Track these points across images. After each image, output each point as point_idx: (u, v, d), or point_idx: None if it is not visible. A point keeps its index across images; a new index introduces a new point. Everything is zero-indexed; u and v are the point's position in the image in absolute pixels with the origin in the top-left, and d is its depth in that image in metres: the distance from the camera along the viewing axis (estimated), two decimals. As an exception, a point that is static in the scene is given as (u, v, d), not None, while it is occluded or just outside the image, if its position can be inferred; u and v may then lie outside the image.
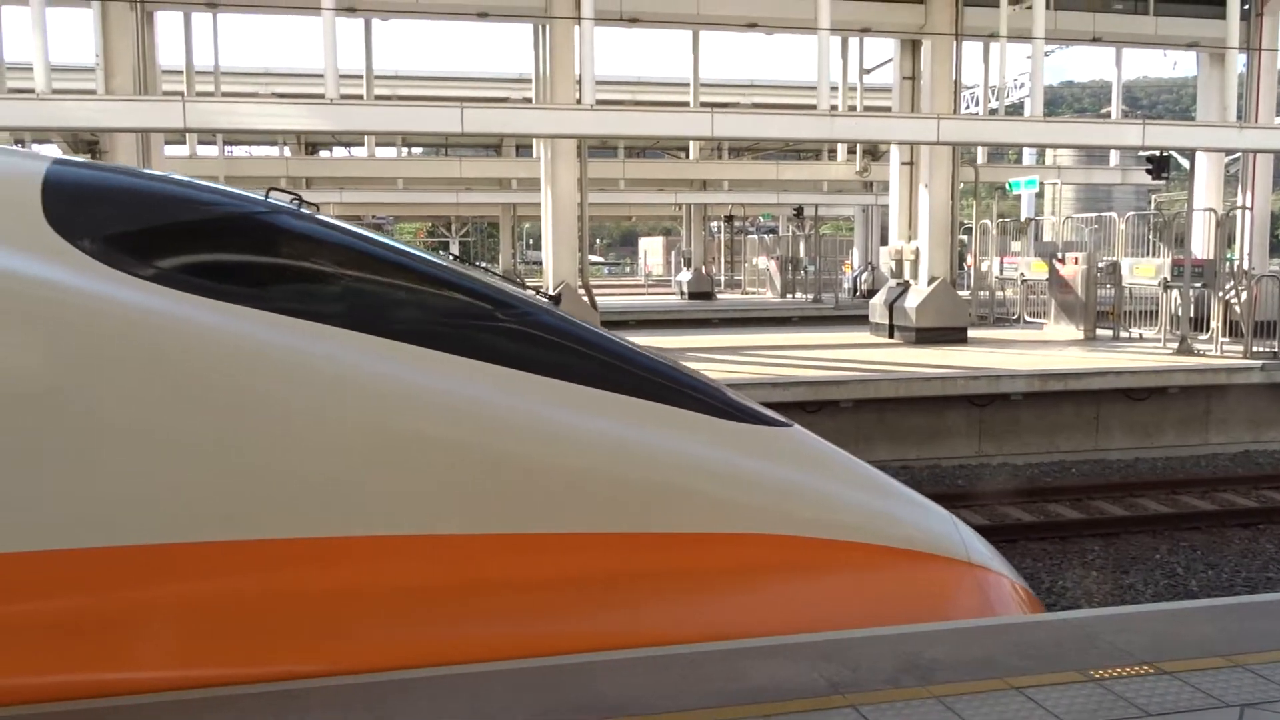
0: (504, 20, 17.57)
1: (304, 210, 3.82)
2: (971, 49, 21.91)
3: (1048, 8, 16.46)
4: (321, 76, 13.93)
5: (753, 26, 19.03)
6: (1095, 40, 20.53)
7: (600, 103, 15.21)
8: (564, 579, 3.58)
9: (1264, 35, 19.66)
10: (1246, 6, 19.11)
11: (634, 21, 17.81)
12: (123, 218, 3.35)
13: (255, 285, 3.41)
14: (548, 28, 16.92)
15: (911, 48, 19.51)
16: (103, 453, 3.11)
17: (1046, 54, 19.59)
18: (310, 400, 3.34)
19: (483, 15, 17.11)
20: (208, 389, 3.22)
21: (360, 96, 24.36)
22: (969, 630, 3.82)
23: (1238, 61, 19.22)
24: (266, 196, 3.73)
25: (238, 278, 3.42)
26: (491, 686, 3.21)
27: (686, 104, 25.43)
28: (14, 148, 3.96)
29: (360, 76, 25.55)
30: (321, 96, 14.05)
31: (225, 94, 23.68)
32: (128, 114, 13.62)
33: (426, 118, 16.31)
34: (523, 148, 32.85)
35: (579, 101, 15.72)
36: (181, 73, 21.33)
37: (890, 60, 21.82)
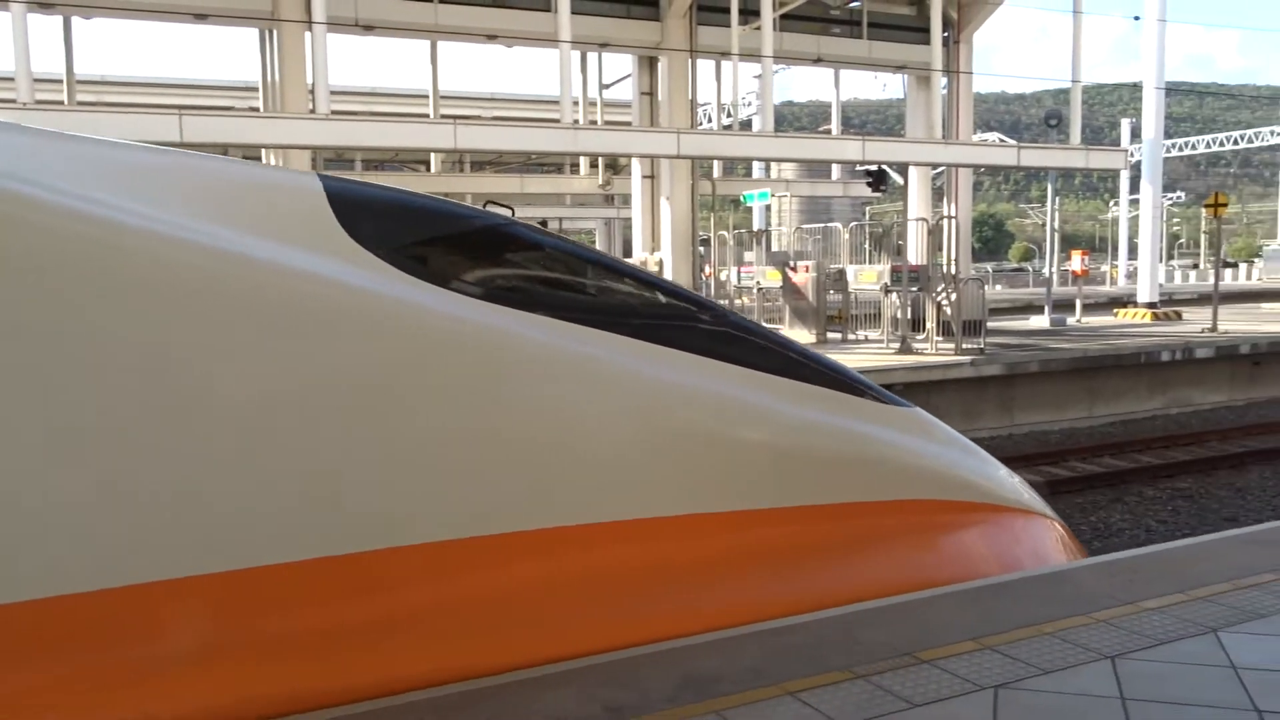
0: (226, 23, 16.50)
1: (525, 222, 4.18)
2: (705, 66, 22.76)
3: (775, 29, 17.33)
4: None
5: (493, 38, 18.90)
6: (818, 61, 21.86)
7: (336, 113, 14.55)
8: (790, 546, 4.11)
9: (961, 60, 21.62)
10: (946, 34, 20.94)
11: (369, 29, 17.22)
12: (403, 228, 3.57)
13: (514, 288, 3.76)
14: (275, 32, 16.03)
15: (649, 64, 20.01)
16: (424, 445, 3.31)
17: (774, 73, 20.63)
18: (583, 394, 3.67)
19: (201, 17, 15.99)
20: (501, 385, 3.50)
21: (61, 101, 22.16)
22: (738, 639, 3.80)
23: (940, 83, 21.03)
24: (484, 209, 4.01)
25: (500, 282, 3.75)
26: None
27: (427, 115, 24.89)
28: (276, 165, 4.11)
29: (60, 80, 23.25)
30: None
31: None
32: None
33: (140, 124, 15.03)
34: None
35: (313, 111, 14.98)
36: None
37: (629, 76, 22.29)
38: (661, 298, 4.14)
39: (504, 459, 3.47)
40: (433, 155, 31.78)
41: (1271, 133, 57.87)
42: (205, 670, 2.92)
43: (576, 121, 17.86)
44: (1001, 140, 41.95)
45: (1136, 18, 24.80)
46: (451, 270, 3.56)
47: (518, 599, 3.47)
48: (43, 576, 2.68)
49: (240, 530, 2.97)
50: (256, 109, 20.75)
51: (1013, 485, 5.21)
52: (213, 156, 3.62)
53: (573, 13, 16.00)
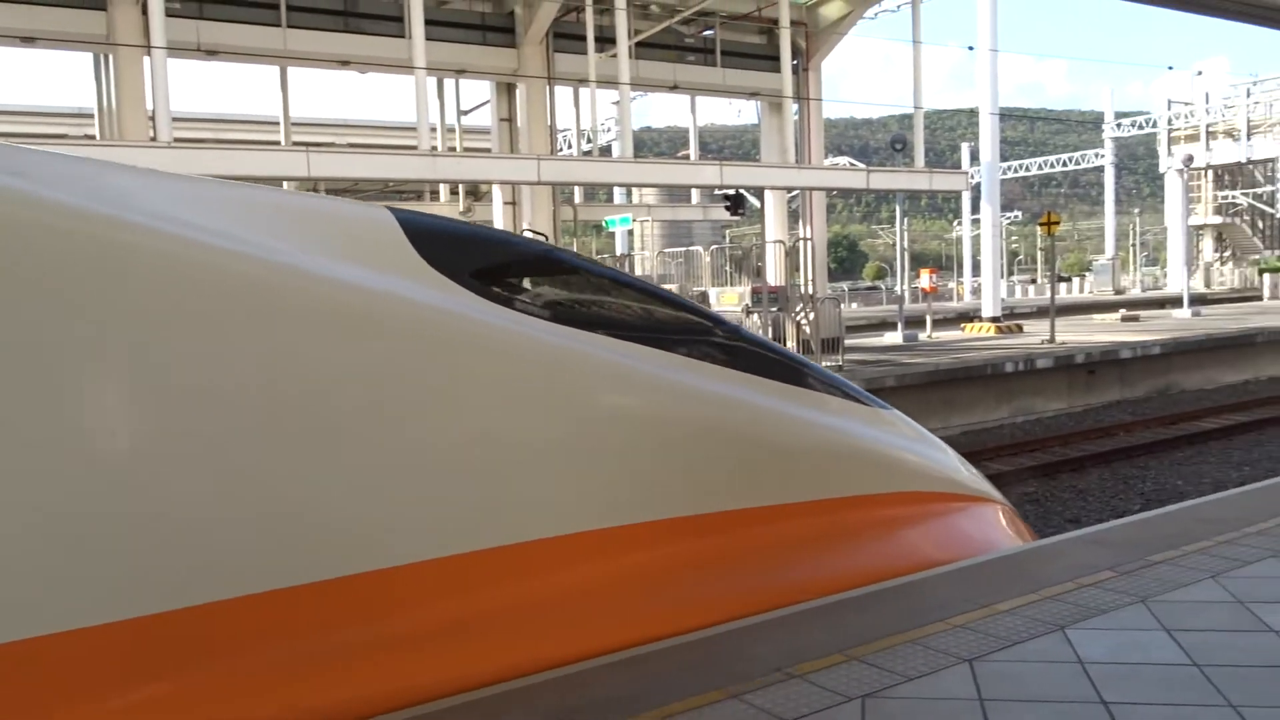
0: (57, 47, 15.70)
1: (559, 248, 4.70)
2: (564, 93, 22.89)
3: (632, 57, 17.56)
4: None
5: (346, 64, 18.54)
6: (675, 87, 22.24)
7: (179, 140, 14.00)
8: (821, 535, 4.64)
9: (811, 87, 22.35)
10: (796, 62, 21.63)
11: (213, 54, 16.66)
12: (469, 254, 3.93)
13: (565, 306, 4.18)
14: (111, 57, 15.33)
15: (507, 90, 19.98)
16: (514, 449, 3.70)
17: (632, 99, 20.88)
18: (636, 400, 4.10)
19: (29, 40, 15.17)
20: (570, 396, 3.88)
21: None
22: (612, 666, 3.78)
23: (792, 109, 21.69)
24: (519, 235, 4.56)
25: (553, 300, 4.12)
26: None
27: (278, 143, 24.19)
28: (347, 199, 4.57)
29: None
30: None
31: None
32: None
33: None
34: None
35: (154, 138, 14.37)
36: None
37: (488, 102, 22.20)
38: (688, 315, 4.59)
39: (569, 463, 3.87)
40: (284, 184, 30.91)
41: (1097, 155, 61.73)
42: (423, 647, 3.38)
43: (435, 148, 17.67)
44: (852, 164, 43.52)
45: (971, 47, 26.16)
46: (511, 291, 3.96)
47: (603, 589, 3.89)
48: (247, 577, 2.99)
49: (408, 528, 3.42)
50: (92, 136, 19.79)
51: (973, 475, 5.90)
52: (291, 191, 4.22)
53: (428, 39, 15.85)
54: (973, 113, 31.70)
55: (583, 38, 18.39)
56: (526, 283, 4.10)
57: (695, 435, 4.23)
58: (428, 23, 16.35)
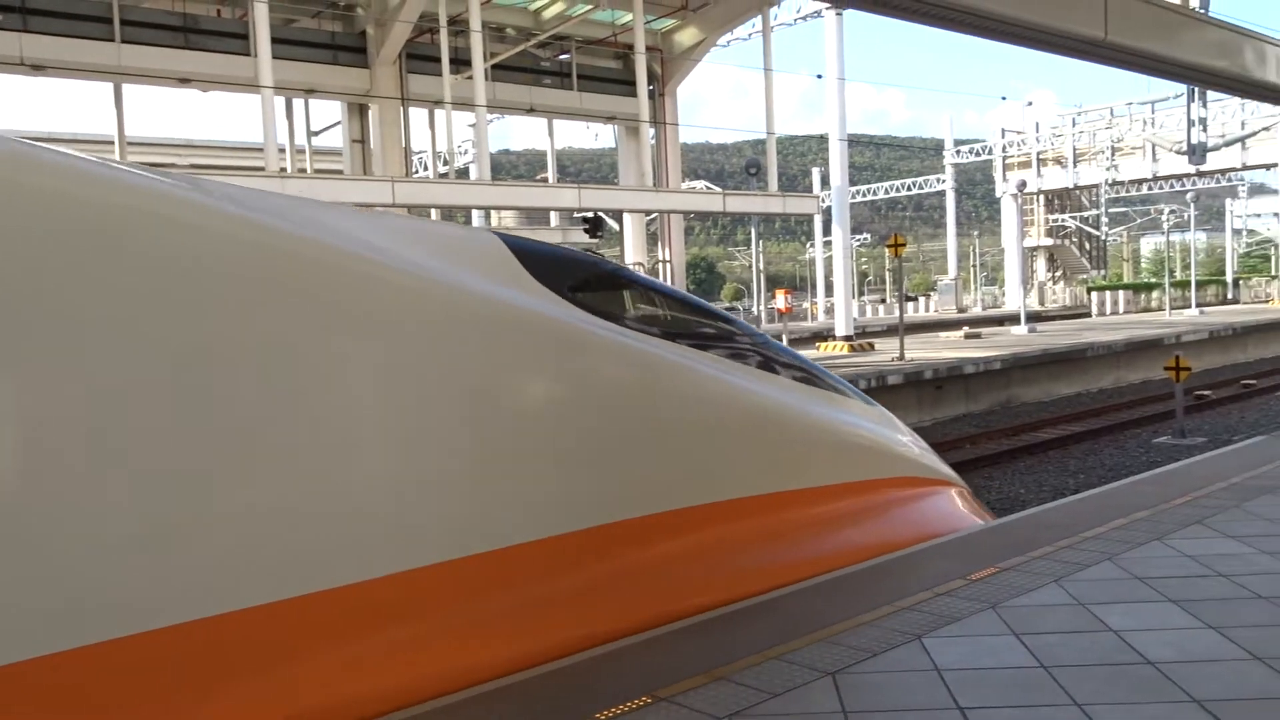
0: None
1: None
2: (419, 114, 22.54)
3: (488, 79, 17.43)
4: None
5: (186, 82, 17.79)
6: (531, 110, 22.19)
7: None
8: (855, 511, 5.57)
9: (667, 112, 22.67)
10: (652, 87, 21.90)
11: (39, 69, 15.73)
12: (563, 271, 4.56)
13: (641, 316, 4.91)
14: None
15: (360, 111, 19.54)
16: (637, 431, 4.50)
17: (489, 122, 20.73)
18: (697, 396, 4.83)
19: None
20: (661, 388, 4.64)
21: None
22: (467, 701, 3.67)
23: (649, 134, 21.92)
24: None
25: (631, 311, 4.88)
26: None
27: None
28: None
29: None
30: None
31: None
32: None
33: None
34: None
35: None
36: None
37: (339, 123, 21.67)
38: (725, 325, 5.44)
39: (673, 446, 4.67)
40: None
41: (938, 180, 64.67)
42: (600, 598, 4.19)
43: (284, 169, 17.10)
44: (709, 187, 44.32)
45: (819, 76, 27.06)
46: (596, 300, 4.62)
47: (720, 551, 4.76)
48: (425, 550, 3.63)
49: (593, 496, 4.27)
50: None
51: (943, 462, 6.81)
52: (423, 218, 5.14)
53: (275, 57, 15.37)
54: (823, 139, 32.75)
55: (437, 59, 18.15)
56: (599, 292, 4.78)
57: (745, 425, 5.02)
58: (275, 40, 15.85)
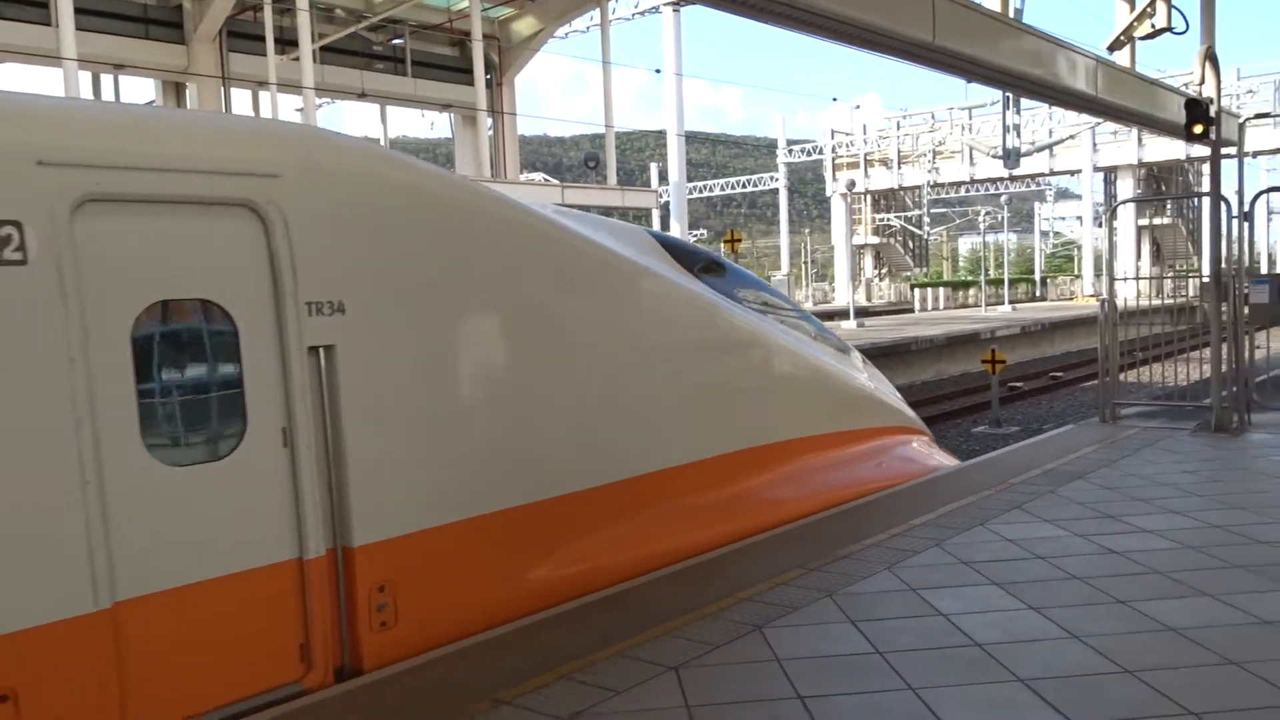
0: None
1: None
2: (242, 95, 21.43)
3: (316, 61, 16.75)
4: None
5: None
6: (363, 95, 21.47)
7: None
8: (859, 454, 7.01)
9: (505, 101, 22.36)
10: (489, 76, 21.54)
11: None
12: (690, 257, 6.31)
13: (743, 295, 6.56)
14: None
15: (176, 90, 18.46)
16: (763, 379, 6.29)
17: (318, 106, 19.94)
18: (793, 355, 6.52)
19: None
20: (769, 347, 6.32)
21: None
22: (319, 703, 3.46)
23: (487, 124, 21.56)
24: None
25: (732, 289, 6.43)
26: None
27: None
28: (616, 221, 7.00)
29: None
30: None
31: None
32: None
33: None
34: None
35: None
36: None
37: (153, 102, 20.40)
38: (788, 304, 7.35)
39: (778, 392, 6.38)
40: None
41: (772, 178, 66.37)
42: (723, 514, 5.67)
43: (92, 150, 15.95)
44: (546, 180, 44.07)
45: (658, 70, 27.28)
46: (713, 281, 6.21)
47: (805, 474, 6.38)
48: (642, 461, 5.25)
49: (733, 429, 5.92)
50: None
51: (913, 412, 8.36)
52: (601, 218, 6.37)
53: (80, 29, 14.31)
54: (660, 134, 33.04)
55: (262, 38, 17.33)
56: (711, 273, 6.32)
57: (815, 379, 6.72)
58: (79, 11, 14.75)
